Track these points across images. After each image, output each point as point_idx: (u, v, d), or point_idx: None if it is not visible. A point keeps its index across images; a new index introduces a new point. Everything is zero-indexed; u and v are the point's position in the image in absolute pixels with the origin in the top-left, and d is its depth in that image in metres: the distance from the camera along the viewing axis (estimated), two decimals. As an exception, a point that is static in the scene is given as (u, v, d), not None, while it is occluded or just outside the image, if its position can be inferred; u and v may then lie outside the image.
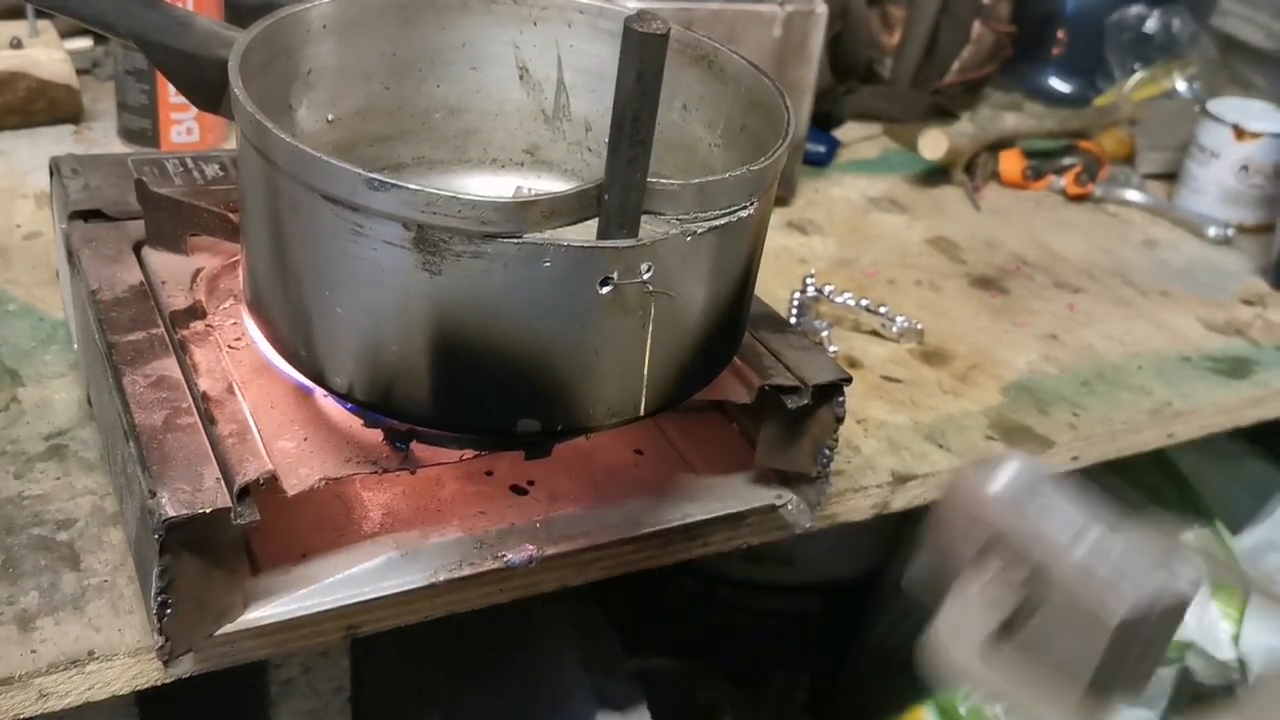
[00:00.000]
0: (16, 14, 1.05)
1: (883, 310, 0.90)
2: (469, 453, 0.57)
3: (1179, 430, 0.87)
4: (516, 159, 0.69)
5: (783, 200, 1.08)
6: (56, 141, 1.00)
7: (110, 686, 0.54)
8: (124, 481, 0.55)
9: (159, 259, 0.65)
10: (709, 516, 0.64)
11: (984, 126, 1.20)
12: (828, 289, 0.89)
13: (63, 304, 0.75)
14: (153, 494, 0.48)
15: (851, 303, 0.89)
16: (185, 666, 0.54)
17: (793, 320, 0.88)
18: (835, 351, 0.86)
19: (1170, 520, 0.55)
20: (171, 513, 0.48)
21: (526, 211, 0.47)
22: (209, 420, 0.54)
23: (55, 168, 0.71)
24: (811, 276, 0.90)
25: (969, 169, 1.19)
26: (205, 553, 0.50)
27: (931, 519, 0.54)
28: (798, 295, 0.90)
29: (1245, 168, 1.16)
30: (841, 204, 1.11)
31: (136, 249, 0.66)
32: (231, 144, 1.00)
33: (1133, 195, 1.20)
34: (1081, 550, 0.48)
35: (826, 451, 0.63)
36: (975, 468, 0.52)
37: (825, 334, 0.86)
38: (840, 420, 0.63)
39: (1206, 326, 0.99)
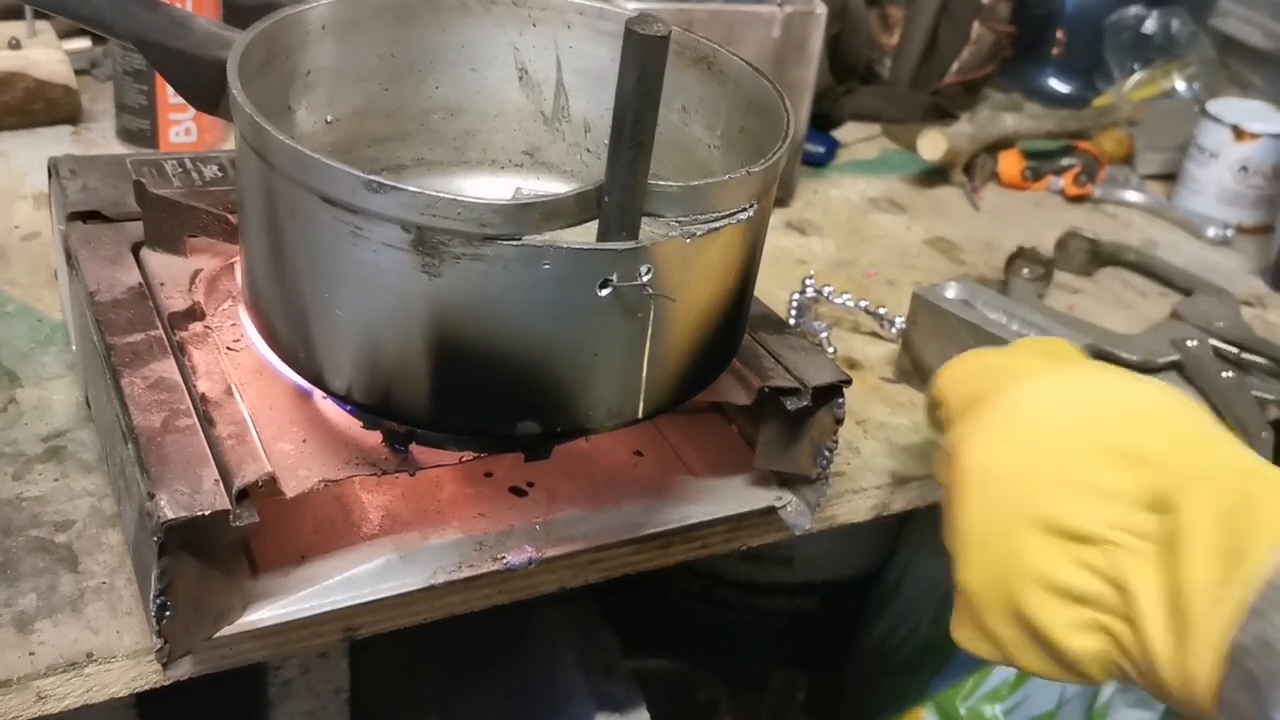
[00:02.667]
0: (15, 14, 1.05)
1: (882, 311, 0.90)
2: (468, 454, 0.57)
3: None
4: (516, 160, 0.69)
5: (782, 201, 1.08)
6: (55, 142, 1.00)
7: (109, 689, 0.54)
8: (122, 483, 0.55)
9: (157, 260, 0.65)
10: (708, 518, 0.64)
11: (983, 127, 1.20)
12: (826, 290, 0.89)
13: (61, 305, 0.74)
14: (151, 496, 0.48)
15: (850, 304, 0.89)
16: (184, 669, 0.54)
17: (792, 321, 0.88)
18: (834, 353, 0.86)
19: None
20: (170, 515, 0.47)
21: (526, 213, 0.47)
22: (208, 422, 0.53)
23: (53, 168, 0.71)
24: (810, 278, 0.90)
25: (968, 169, 1.19)
26: (204, 555, 0.50)
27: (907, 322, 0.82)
28: (797, 296, 0.90)
29: (1244, 168, 1.16)
30: (841, 204, 1.11)
31: (135, 250, 0.65)
32: (230, 145, 1.00)
33: (1132, 196, 1.20)
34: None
35: (826, 453, 0.63)
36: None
37: (824, 335, 0.86)
38: (840, 422, 0.63)
39: (1206, 327, 0.99)
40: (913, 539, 1.32)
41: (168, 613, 0.50)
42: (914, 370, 0.84)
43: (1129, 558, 0.49)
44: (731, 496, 0.65)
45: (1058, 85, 1.43)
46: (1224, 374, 0.89)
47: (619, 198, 0.48)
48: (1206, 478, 0.49)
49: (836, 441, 0.63)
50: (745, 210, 0.52)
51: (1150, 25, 1.40)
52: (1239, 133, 1.15)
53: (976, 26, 1.31)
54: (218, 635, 0.53)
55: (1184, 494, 0.49)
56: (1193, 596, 0.46)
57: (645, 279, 0.49)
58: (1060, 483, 0.52)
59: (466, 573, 0.58)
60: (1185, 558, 0.47)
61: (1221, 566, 0.46)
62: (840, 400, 0.62)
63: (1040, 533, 0.52)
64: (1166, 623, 0.47)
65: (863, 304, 0.89)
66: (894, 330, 0.89)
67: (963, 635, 0.58)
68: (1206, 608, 0.46)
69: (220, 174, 0.73)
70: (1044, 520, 0.52)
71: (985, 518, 0.54)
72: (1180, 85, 1.38)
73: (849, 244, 1.04)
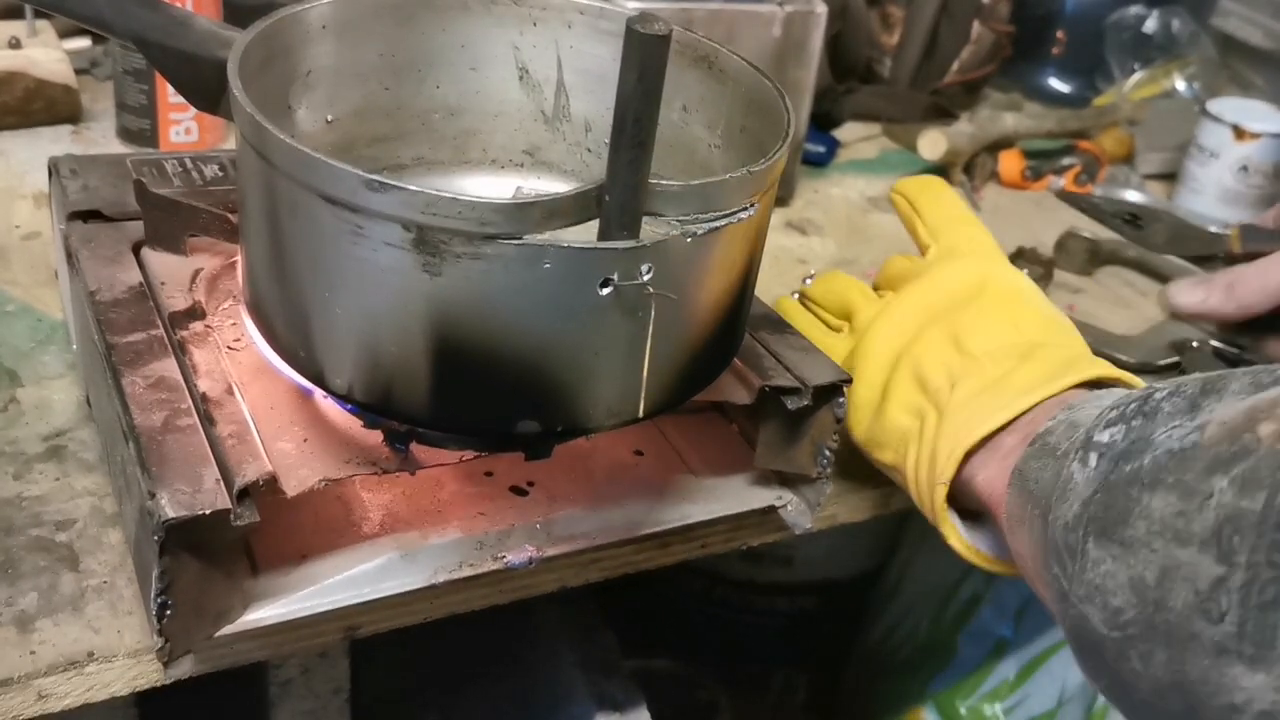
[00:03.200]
0: (15, 14, 1.05)
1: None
2: (469, 454, 0.57)
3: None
4: (516, 160, 0.69)
5: (782, 200, 1.08)
6: (55, 141, 1.00)
7: (109, 688, 0.54)
8: (123, 483, 0.55)
9: (158, 260, 0.65)
10: (708, 517, 0.64)
11: (983, 127, 1.20)
12: None
13: (61, 304, 0.74)
14: (152, 495, 0.48)
15: None
16: (184, 668, 0.54)
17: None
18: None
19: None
20: (171, 514, 0.47)
21: (526, 213, 0.47)
22: (208, 421, 0.53)
23: (54, 168, 0.71)
24: (810, 277, 0.90)
25: (968, 169, 1.19)
26: (205, 554, 0.50)
27: None
28: (795, 295, 0.90)
29: (1245, 168, 1.16)
30: (841, 204, 1.11)
31: (135, 250, 0.66)
32: (230, 144, 1.00)
33: (1132, 195, 1.20)
34: None
35: (826, 452, 0.63)
36: None
37: None
38: (840, 421, 0.63)
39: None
40: (913, 539, 1.32)
41: (168, 612, 0.50)
42: None
43: (976, 369, 0.60)
44: (732, 496, 0.66)
45: (1058, 85, 1.43)
46: (1224, 374, 0.88)
47: (620, 197, 0.48)
48: (1068, 348, 0.62)
49: (837, 441, 0.63)
50: (746, 209, 0.52)
51: (1151, 25, 1.40)
52: (1239, 132, 1.15)
53: (976, 26, 1.31)
54: (218, 634, 0.53)
55: (1038, 349, 0.61)
56: (1006, 386, 0.58)
57: (646, 278, 0.49)
58: (987, 318, 0.64)
59: (467, 572, 0.58)
60: (1016, 369, 0.59)
61: (1042, 376, 0.58)
62: (841, 399, 0.62)
63: (945, 337, 0.63)
64: (969, 402, 0.59)
65: None
66: None
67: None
68: (1016, 391, 0.58)
69: (221, 173, 0.73)
70: (954, 330, 0.63)
71: (927, 306, 0.66)
72: (1180, 85, 1.38)
73: (849, 243, 1.04)
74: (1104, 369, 0.59)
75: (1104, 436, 0.48)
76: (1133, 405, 0.49)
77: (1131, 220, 0.84)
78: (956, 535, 0.60)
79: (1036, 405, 0.57)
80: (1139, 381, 0.60)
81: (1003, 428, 0.57)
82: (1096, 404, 0.53)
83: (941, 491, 0.59)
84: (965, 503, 0.60)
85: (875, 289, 0.74)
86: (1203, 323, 0.88)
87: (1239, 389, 0.45)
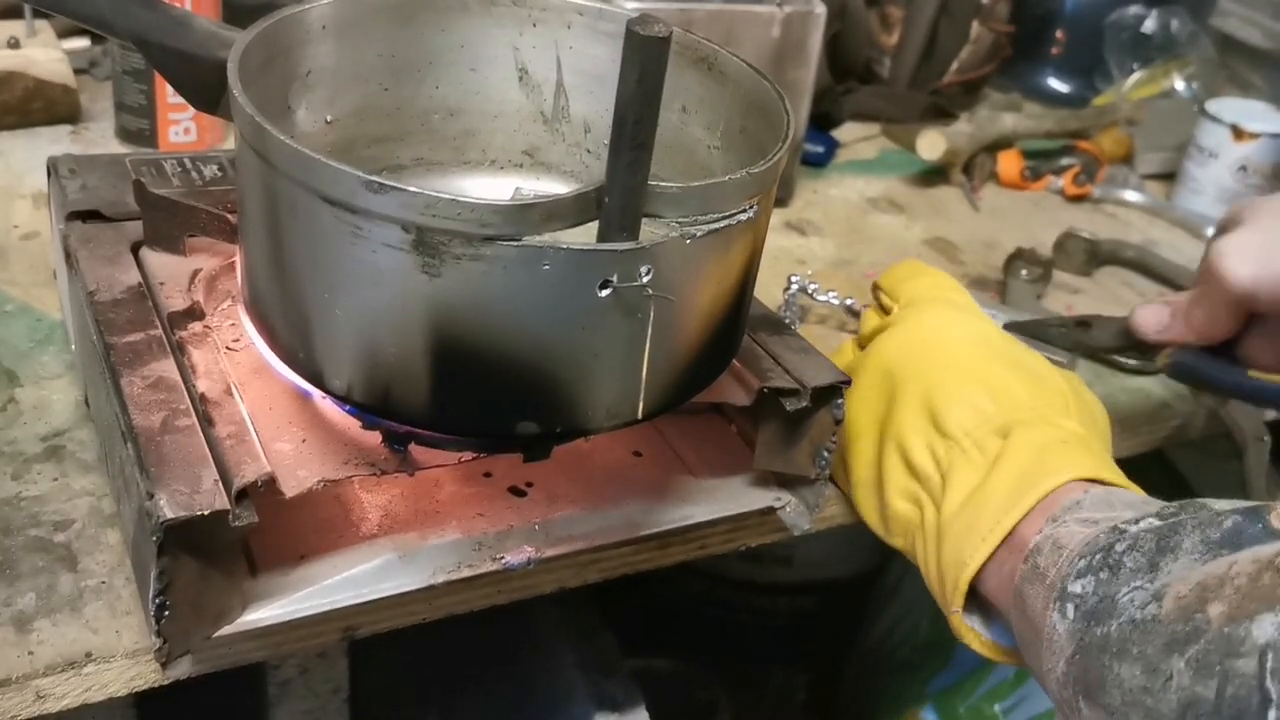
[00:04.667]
0: (14, 13, 1.05)
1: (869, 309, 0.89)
2: (467, 455, 0.57)
3: (1177, 431, 0.87)
4: (516, 161, 0.69)
5: (781, 201, 1.08)
6: (54, 141, 1.00)
7: (108, 688, 0.54)
8: (122, 483, 0.55)
9: (157, 260, 0.65)
10: (708, 518, 0.64)
11: (982, 127, 1.20)
12: (811, 287, 0.89)
13: (60, 304, 0.74)
14: (151, 496, 0.48)
15: (836, 301, 0.89)
16: (183, 668, 0.54)
17: (786, 318, 0.88)
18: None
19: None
20: (169, 514, 0.47)
21: (526, 214, 0.47)
22: (207, 422, 0.53)
23: (53, 168, 0.71)
24: (796, 276, 0.90)
25: (967, 169, 1.19)
26: (203, 554, 0.50)
27: None
28: (787, 294, 0.90)
29: (1244, 168, 1.16)
30: (840, 204, 1.11)
31: (134, 250, 0.65)
32: (230, 144, 1.00)
33: (1131, 195, 1.20)
34: None
35: (825, 453, 0.63)
36: None
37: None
38: (839, 422, 0.63)
39: (1205, 327, 0.98)
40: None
41: (167, 612, 0.50)
42: None
43: (962, 459, 0.60)
44: (731, 497, 0.66)
45: (1057, 85, 1.43)
46: (1223, 374, 0.89)
47: (619, 198, 0.48)
48: (1043, 421, 0.61)
49: (836, 442, 0.63)
50: (745, 211, 0.52)
51: (1150, 25, 1.40)
52: (1238, 132, 1.15)
53: (976, 26, 1.31)
54: (217, 635, 0.53)
55: (1020, 428, 0.60)
56: (990, 496, 0.58)
57: (645, 279, 0.49)
58: (957, 384, 0.63)
59: (465, 573, 0.58)
60: (997, 468, 0.59)
61: (1022, 481, 0.58)
62: (839, 401, 0.62)
63: (921, 410, 0.63)
64: (961, 512, 0.59)
65: (849, 301, 0.89)
66: None
67: (834, 458, 0.66)
68: (1000, 506, 0.58)
69: (220, 174, 0.73)
70: (929, 402, 0.63)
71: (898, 372, 0.65)
72: (1180, 85, 1.38)
73: (848, 244, 1.04)
74: (1077, 468, 0.58)
75: (1076, 588, 0.51)
76: (1098, 556, 0.51)
77: (1082, 324, 0.84)
78: (980, 642, 0.61)
79: (1024, 518, 0.57)
80: (1113, 475, 0.59)
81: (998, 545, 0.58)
82: (1076, 524, 0.55)
83: (956, 618, 0.60)
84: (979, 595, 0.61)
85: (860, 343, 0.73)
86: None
87: (1191, 548, 0.48)
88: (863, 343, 0.72)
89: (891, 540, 0.65)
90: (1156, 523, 0.51)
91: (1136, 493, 0.58)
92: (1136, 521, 0.52)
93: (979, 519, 0.58)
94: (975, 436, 0.61)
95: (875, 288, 0.76)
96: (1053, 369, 0.66)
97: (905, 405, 0.63)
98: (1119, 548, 0.51)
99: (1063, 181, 1.20)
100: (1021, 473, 0.58)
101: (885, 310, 0.73)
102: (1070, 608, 0.51)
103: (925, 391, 0.63)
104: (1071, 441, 0.60)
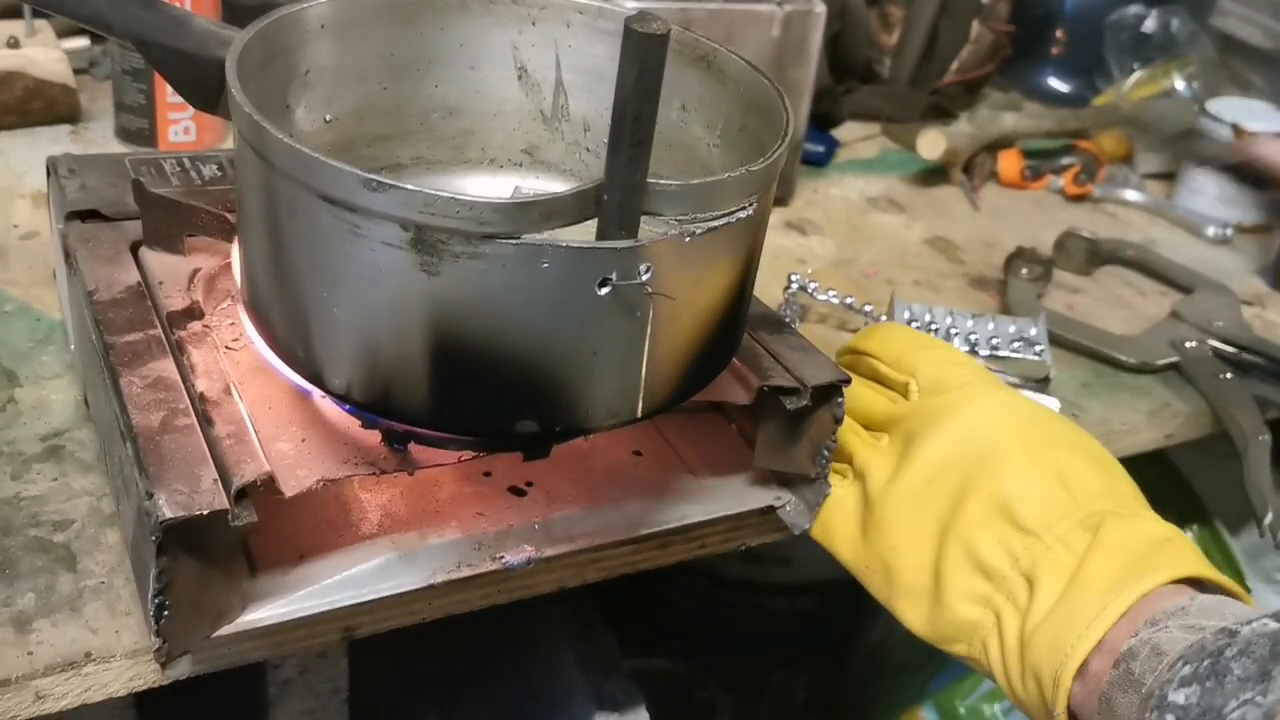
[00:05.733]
0: (14, 13, 1.05)
1: (868, 308, 0.89)
2: (467, 454, 0.57)
3: (1177, 431, 0.87)
4: (515, 159, 0.69)
5: (781, 200, 1.08)
6: (53, 141, 1.00)
7: (107, 688, 0.54)
8: (121, 483, 0.55)
9: (156, 259, 0.65)
10: (707, 518, 0.64)
11: (982, 126, 1.20)
12: (811, 287, 0.89)
13: (60, 304, 0.74)
14: (150, 495, 0.48)
15: (836, 300, 0.89)
16: (183, 668, 0.54)
17: (786, 317, 0.88)
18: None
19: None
20: (169, 514, 0.47)
21: (525, 212, 0.47)
22: (206, 421, 0.53)
23: (52, 167, 0.70)
24: (796, 275, 0.90)
25: (967, 169, 1.19)
26: (203, 554, 0.50)
27: None
28: (787, 294, 0.90)
29: (1244, 167, 1.16)
30: (840, 204, 1.11)
31: (134, 249, 0.65)
32: (229, 144, 1.00)
33: (1131, 195, 1.20)
34: None
35: (825, 452, 0.63)
36: None
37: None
38: (839, 421, 0.62)
39: (1205, 327, 0.99)
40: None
41: (166, 612, 0.50)
42: None
43: (1046, 556, 0.56)
44: (731, 496, 0.65)
45: (1057, 84, 1.43)
46: (1223, 375, 0.89)
47: (618, 196, 0.48)
48: (1132, 514, 0.57)
49: (836, 441, 0.63)
50: (745, 209, 0.52)
51: (1150, 24, 1.40)
52: (1239, 132, 1.15)
53: (976, 26, 1.31)
54: (216, 635, 0.53)
55: (1111, 521, 0.56)
56: (1084, 596, 0.53)
57: (644, 278, 0.49)
58: (1030, 475, 0.58)
59: (465, 572, 0.58)
60: (1089, 565, 0.54)
61: (1119, 580, 0.53)
62: (839, 399, 0.62)
63: (991, 505, 0.58)
64: (1054, 614, 0.54)
65: (848, 300, 0.89)
66: None
67: (866, 555, 0.62)
68: (1094, 607, 0.53)
69: (219, 173, 0.73)
70: (1000, 497, 0.58)
71: (955, 460, 0.60)
72: (1180, 84, 1.38)
73: (848, 243, 1.04)
74: (1177, 566, 0.55)
75: (1178, 697, 0.48)
76: (1205, 664, 0.48)
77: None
78: None
79: (1122, 616, 0.54)
80: (1212, 573, 0.55)
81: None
82: (1179, 630, 0.51)
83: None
84: None
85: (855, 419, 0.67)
86: None
87: None
88: (872, 425, 0.67)
89: (949, 648, 0.60)
90: (1273, 625, 0.48)
91: (1247, 601, 0.54)
92: (1249, 623, 0.48)
93: (1074, 620, 0.54)
94: (1058, 531, 0.56)
95: (857, 351, 0.70)
96: (1101, 446, 0.63)
97: (972, 502, 0.58)
98: (1228, 653, 0.48)
99: (1063, 181, 1.20)
100: (1118, 571, 0.54)
101: (883, 382, 0.68)
102: (1170, 719, 0.48)
103: (995, 486, 0.58)
104: (1173, 539, 0.56)
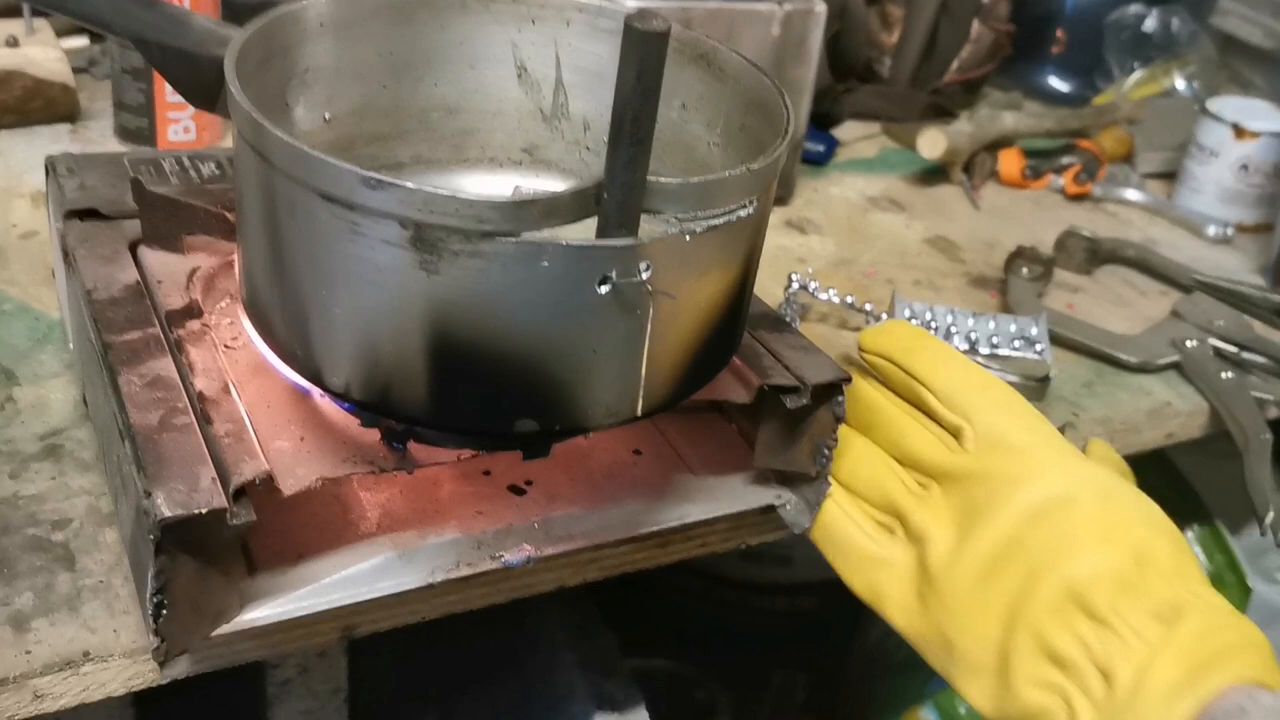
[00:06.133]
0: (13, 12, 1.05)
1: (868, 307, 0.89)
2: (466, 453, 0.57)
3: (1177, 430, 0.87)
4: (514, 158, 0.69)
5: (781, 199, 1.08)
6: (52, 140, 1.00)
7: (106, 688, 0.54)
8: (119, 482, 0.55)
9: (155, 258, 0.65)
10: (707, 517, 0.64)
11: (983, 125, 1.20)
12: (812, 286, 0.89)
13: (59, 303, 0.74)
14: (148, 494, 0.48)
15: (836, 299, 0.89)
16: (181, 668, 0.53)
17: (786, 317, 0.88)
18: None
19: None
20: (167, 513, 0.47)
21: (524, 211, 0.47)
22: (205, 420, 0.53)
23: (51, 167, 0.70)
24: (797, 275, 0.90)
25: (968, 168, 1.19)
26: (201, 553, 0.50)
27: None
28: (788, 293, 0.90)
29: (1245, 167, 1.16)
30: (840, 203, 1.11)
31: (133, 248, 0.65)
32: (228, 143, 1.00)
33: (1132, 194, 1.20)
34: None
35: (826, 451, 0.63)
36: None
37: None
38: (840, 420, 0.62)
39: (1206, 326, 0.98)
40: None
41: (164, 611, 0.49)
42: None
43: (1121, 649, 0.54)
44: (731, 495, 0.65)
45: (1058, 84, 1.43)
46: (1224, 374, 0.89)
47: (618, 195, 0.48)
48: (1205, 606, 0.55)
49: (836, 440, 0.63)
50: (745, 208, 0.52)
51: (1150, 24, 1.40)
52: (1239, 131, 1.15)
53: (976, 25, 1.31)
54: (215, 634, 0.52)
55: (1185, 615, 0.54)
56: (1151, 698, 0.53)
57: (644, 276, 0.49)
58: (1103, 557, 0.57)
59: (465, 571, 0.58)
60: (1160, 665, 0.53)
61: (1187, 683, 0.52)
62: (840, 398, 0.62)
63: (1062, 592, 0.56)
64: (1126, 713, 0.53)
65: (849, 299, 0.89)
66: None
67: (924, 626, 0.61)
68: (1161, 713, 0.52)
69: (218, 172, 0.73)
70: (1072, 585, 0.56)
71: (1024, 539, 0.58)
72: (1180, 84, 1.38)
73: (848, 243, 1.04)
74: (1243, 669, 0.54)
75: None
76: None
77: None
78: None
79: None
80: (1276, 679, 0.55)
81: None
82: None
83: None
84: None
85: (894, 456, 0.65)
86: None
87: None
88: (919, 468, 0.64)
89: None
90: None
91: None
92: None
93: (1153, 714, 0.53)
94: (1132, 621, 0.55)
95: (892, 362, 0.66)
96: (1163, 514, 0.61)
97: (1043, 587, 0.57)
98: None
99: (1063, 180, 1.20)
100: (1188, 672, 0.53)
101: (928, 412, 0.65)
102: None
103: (1067, 570, 0.57)
104: (1243, 640, 0.55)
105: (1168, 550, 0.58)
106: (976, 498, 0.60)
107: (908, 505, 0.62)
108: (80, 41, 1.11)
